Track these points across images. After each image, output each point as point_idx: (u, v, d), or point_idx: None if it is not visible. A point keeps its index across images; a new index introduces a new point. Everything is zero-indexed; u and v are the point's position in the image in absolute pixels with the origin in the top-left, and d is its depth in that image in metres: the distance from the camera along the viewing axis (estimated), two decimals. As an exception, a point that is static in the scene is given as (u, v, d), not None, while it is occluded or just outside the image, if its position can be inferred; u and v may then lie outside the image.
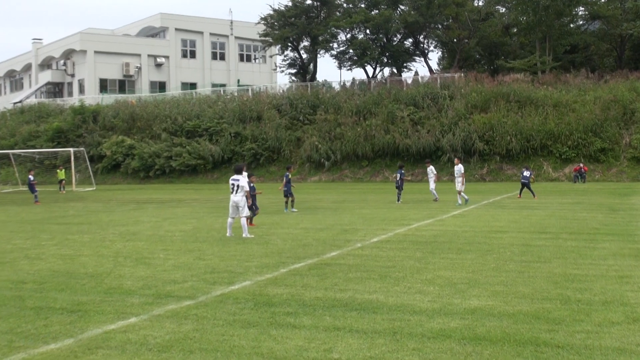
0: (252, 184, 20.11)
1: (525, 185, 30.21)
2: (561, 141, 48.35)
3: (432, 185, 29.44)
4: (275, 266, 12.49)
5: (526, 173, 30.37)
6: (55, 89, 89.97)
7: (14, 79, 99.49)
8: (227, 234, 16.98)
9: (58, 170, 49.25)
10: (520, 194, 30.70)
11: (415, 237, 16.47)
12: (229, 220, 17.24)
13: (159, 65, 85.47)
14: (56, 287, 11.03)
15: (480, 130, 49.98)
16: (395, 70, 74.91)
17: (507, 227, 18.10)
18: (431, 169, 29.94)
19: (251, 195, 19.33)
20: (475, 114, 51.43)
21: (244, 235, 16.76)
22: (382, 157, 52.94)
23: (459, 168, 27.36)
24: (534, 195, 29.77)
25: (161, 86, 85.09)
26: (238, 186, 16.92)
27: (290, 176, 26.01)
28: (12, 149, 62.92)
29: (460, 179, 27.14)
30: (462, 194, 26.97)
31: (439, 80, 58.17)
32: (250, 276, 11.54)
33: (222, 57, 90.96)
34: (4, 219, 19.94)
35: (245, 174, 17.60)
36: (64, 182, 47.98)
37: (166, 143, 59.30)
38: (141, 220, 23.20)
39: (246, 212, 17.00)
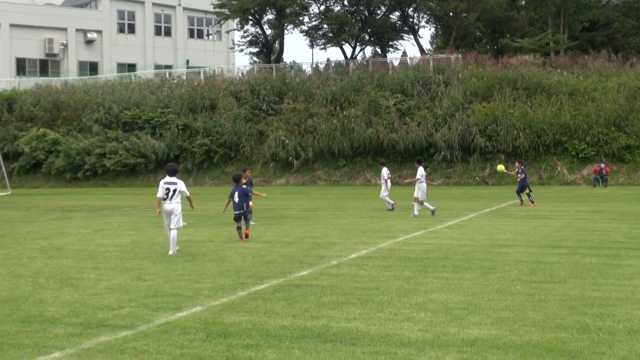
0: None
1: (526, 186, 30.36)
2: (578, 137, 48.92)
3: (383, 192, 29.20)
4: (232, 288, 12.43)
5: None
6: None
7: None
8: (170, 252, 16.80)
9: None
10: (521, 199, 30.95)
11: (402, 252, 16.50)
12: (169, 232, 17.11)
13: (89, 42, 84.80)
14: (-39, 315, 10.86)
15: (482, 123, 50.38)
16: (379, 50, 75.22)
17: (513, 241, 18.22)
18: (385, 172, 29.65)
19: (246, 195, 19.32)
20: (476, 104, 51.82)
21: (170, 252, 16.71)
22: (363, 156, 53.10)
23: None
24: (520, 200, 30.49)
25: (92, 68, 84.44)
26: (175, 191, 16.82)
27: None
28: None
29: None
30: (424, 204, 26.48)
31: (431, 63, 58.48)
32: (201, 300, 11.47)
33: (168, 33, 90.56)
34: None
35: (177, 180, 17.20)
36: None
37: (98, 137, 58.89)
38: (67, 232, 22.96)
39: (180, 223, 16.96)
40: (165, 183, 16.98)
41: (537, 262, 14.61)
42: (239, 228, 18.97)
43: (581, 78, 53.06)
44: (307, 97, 57.36)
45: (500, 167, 31.25)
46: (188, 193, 17.14)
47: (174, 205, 16.90)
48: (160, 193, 16.83)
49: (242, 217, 18.99)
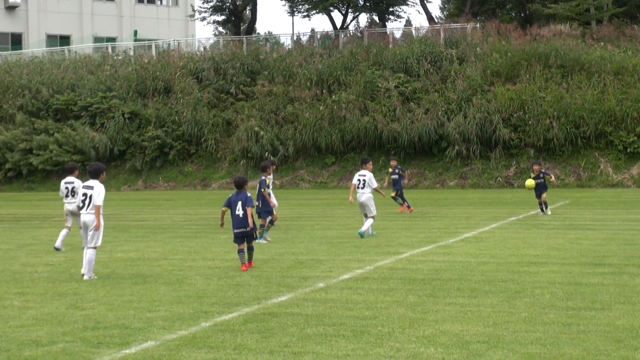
0: (264, 179, 20.93)
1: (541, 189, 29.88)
2: (626, 127, 49.17)
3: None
4: (192, 318, 12.43)
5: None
6: None
7: None
8: (83, 274, 16.55)
9: None
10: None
11: (406, 272, 16.52)
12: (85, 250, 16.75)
13: (11, 8, 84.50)
14: None
15: (506, 110, 50.53)
16: (376, 19, 75.34)
17: (545, 257, 18.28)
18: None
19: (260, 197, 19.44)
20: (498, 86, 51.98)
21: (86, 277, 16.46)
22: (357, 151, 53.19)
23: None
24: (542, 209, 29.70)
25: (15, 40, 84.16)
26: (91, 197, 16.48)
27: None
28: None
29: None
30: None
31: (442, 35, 58.63)
32: (154, 333, 11.46)
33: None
34: None
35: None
36: None
37: (23, 129, 58.72)
38: (-16, 248, 22.88)
39: (98, 239, 16.65)
40: (82, 187, 16.77)
41: (575, 284, 14.67)
42: (241, 251, 17.44)
43: (630, 53, 53.31)
44: (287, 78, 57.38)
45: (531, 183, 30.59)
46: (100, 202, 16.46)
47: (90, 216, 16.53)
48: (63, 192, 16.92)
49: (245, 239, 17.53)
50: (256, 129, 54.22)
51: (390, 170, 33.67)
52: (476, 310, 12.52)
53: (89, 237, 16.59)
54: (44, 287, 15.62)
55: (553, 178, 30.31)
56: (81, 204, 16.56)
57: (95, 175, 16.75)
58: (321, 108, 53.80)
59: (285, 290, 14.66)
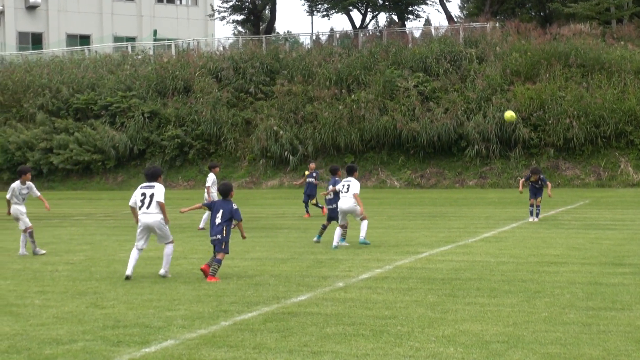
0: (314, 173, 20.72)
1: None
2: (647, 126, 48.97)
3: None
4: (212, 317, 12.45)
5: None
6: None
7: None
8: (127, 272, 16.50)
9: None
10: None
11: (426, 271, 16.51)
12: (134, 252, 16.56)
13: (32, 7, 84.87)
14: None
15: (525, 110, 50.42)
16: (395, 18, 75.28)
17: (565, 257, 18.23)
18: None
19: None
20: (518, 85, 51.85)
21: (162, 271, 16.56)
22: (376, 150, 53.16)
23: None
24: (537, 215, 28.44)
25: (36, 40, 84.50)
26: (152, 197, 16.45)
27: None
28: None
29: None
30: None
31: (462, 34, 58.54)
32: (174, 332, 11.48)
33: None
34: None
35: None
36: None
37: (44, 128, 58.95)
38: (4, 247, 22.99)
39: (169, 234, 16.70)
40: (141, 188, 16.64)
41: (595, 284, 14.63)
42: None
43: (650, 52, 53.10)
44: (306, 77, 57.39)
45: (510, 115, 29.42)
46: (162, 199, 16.56)
47: (156, 217, 16.37)
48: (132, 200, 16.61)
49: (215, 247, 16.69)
50: (275, 128, 54.24)
51: (307, 172, 32.42)
52: (496, 310, 12.49)
53: (158, 235, 16.51)
54: (64, 286, 15.68)
55: (550, 191, 28.60)
56: (140, 204, 16.45)
57: (153, 178, 16.68)
58: (340, 107, 53.78)
59: (305, 289, 14.67)
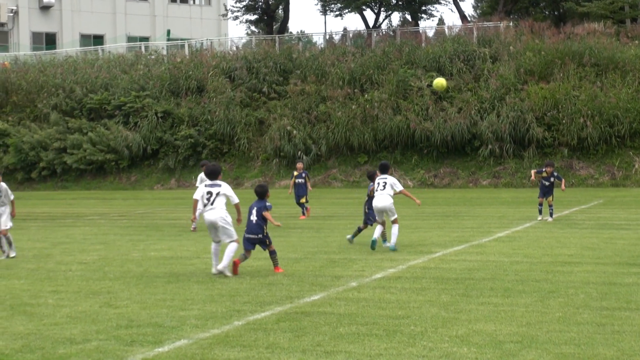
0: (303, 173, 20.25)
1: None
2: (662, 125, 48.82)
3: None
4: (225, 316, 12.47)
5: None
6: None
7: None
8: (213, 271, 16.26)
9: None
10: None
11: (439, 271, 16.50)
12: (214, 248, 16.58)
13: (45, 7, 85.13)
14: None
15: (539, 109, 50.31)
16: (408, 17, 75.24)
17: (579, 257, 18.19)
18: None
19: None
20: (532, 84, 51.76)
21: (220, 266, 16.32)
22: (390, 150, 53.14)
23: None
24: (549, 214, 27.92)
25: (49, 40, 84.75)
26: (218, 195, 16.27)
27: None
28: None
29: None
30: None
31: (475, 33, 58.45)
32: (187, 332, 11.50)
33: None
34: None
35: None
36: None
37: (57, 128, 59.11)
38: (19, 246, 23.01)
39: (235, 234, 16.55)
40: (206, 186, 16.58)
41: (609, 284, 14.59)
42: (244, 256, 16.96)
43: (665, 51, 52.92)
44: (319, 77, 57.39)
45: (440, 83, 28.57)
46: (236, 199, 16.59)
47: (221, 213, 16.33)
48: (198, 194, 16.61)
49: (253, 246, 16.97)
50: (289, 128, 54.27)
51: (295, 173, 31.47)
52: (509, 310, 12.48)
53: (220, 233, 16.43)
54: (77, 286, 15.73)
55: (564, 186, 28.35)
56: (206, 202, 16.43)
57: (215, 175, 16.71)
58: (353, 107, 53.76)
59: (318, 289, 14.68)
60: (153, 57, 67.26)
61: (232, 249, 16.38)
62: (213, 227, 16.47)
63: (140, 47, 72.62)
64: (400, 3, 73.87)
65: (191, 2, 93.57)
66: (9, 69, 66.43)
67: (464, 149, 51.37)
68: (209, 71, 60.07)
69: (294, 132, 54.04)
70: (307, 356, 10.08)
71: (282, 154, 54.31)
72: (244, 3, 78.34)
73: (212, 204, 16.40)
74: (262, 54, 61.06)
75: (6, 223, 20.41)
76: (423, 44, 59.07)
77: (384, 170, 20.64)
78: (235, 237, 16.48)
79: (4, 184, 20.78)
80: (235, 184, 53.40)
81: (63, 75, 63.50)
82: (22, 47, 79.91)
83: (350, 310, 12.69)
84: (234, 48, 67.27)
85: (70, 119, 59.55)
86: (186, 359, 10.11)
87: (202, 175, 26.69)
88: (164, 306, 13.39)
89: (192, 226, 25.81)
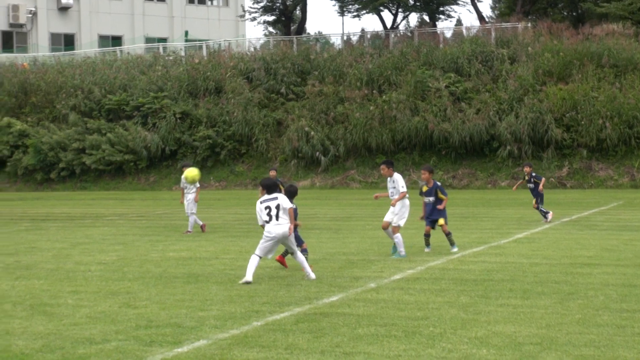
0: (439, 184, 19.82)
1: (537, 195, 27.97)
2: (680, 127, 48.63)
3: (192, 208, 26.72)
4: (244, 317, 12.48)
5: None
6: None
7: None
8: (247, 279, 15.99)
9: None
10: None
11: (458, 272, 16.48)
12: (255, 260, 15.97)
13: (64, 8, 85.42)
14: None
15: (558, 110, 50.19)
16: (426, 18, 75.15)
17: (599, 259, 18.13)
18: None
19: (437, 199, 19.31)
20: (550, 85, 51.64)
21: (312, 276, 16.02)
22: (408, 151, 53.10)
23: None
24: (543, 216, 27.64)
25: (68, 41, 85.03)
26: (278, 208, 16.07)
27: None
28: None
29: None
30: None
31: (493, 34, 58.36)
32: (206, 332, 11.52)
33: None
34: None
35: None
36: None
37: (76, 129, 59.29)
38: (38, 246, 23.13)
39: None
40: (264, 202, 16.09)
41: (629, 286, 14.54)
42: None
43: (685, 52, 52.71)
44: (337, 78, 57.40)
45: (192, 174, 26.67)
46: (290, 205, 16.21)
47: (285, 226, 15.96)
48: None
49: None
50: (307, 129, 54.28)
51: (526, 177, 28.79)
52: (529, 311, 12.46)
53: (288, 244, 16.20)
54: (97, 286, 15.78)
55: (542, 185, 27.82)
56: (267, 218, 15.90)
57: (273, 189, 16.24)
58: (371, 108, 53.74)
59: (337, 290, 14.68)
60: (171, 58, 67.40)
61: (302, 258, 16.23)
62: (279, 241, 16.05)
63: (158, 48, 72.81)
64: (418, 4, 73.80)
65: (209, 3, 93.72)
66: (28, 70, 66.70)
67: (483, 150, 51.28)
68: (226, 72, 60.15)
69: (312, 133, 54.05)
70: (326, 357, 10.09)
71: (300, 155, 54.33)
72: (261, 4, 78.40)
73: (276, 218, 15.92)
74: (279, 55, 61.12)
75: None
76: (441, 45, 59.01)
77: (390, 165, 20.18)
78: (295, 246, 16.43)
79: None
80: (254, 185, 53.51)
81: (82, 76, 63.71)
82: (40, 48, 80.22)
83: (369, 311, 12.69)
84: (252, 49, 67.36)
85: (89, 120, 59.74)
86: (205, 359, 10.13)
87: (183, 177, 26.74)
88: (183, 307, 13.42)
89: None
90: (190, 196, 26.50)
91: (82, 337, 11.39)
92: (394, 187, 19.56)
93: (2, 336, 11.59)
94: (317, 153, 53.55)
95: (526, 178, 28.18)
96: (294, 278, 16.13)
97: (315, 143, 53.71)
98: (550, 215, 27.34)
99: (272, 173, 28.78)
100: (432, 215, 19.84)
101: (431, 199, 19.93)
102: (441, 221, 19.72)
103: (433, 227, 19.87)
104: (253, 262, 15.87)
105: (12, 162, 60.10)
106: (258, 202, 16.24)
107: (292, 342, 10.83)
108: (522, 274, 16.11)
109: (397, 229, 19.04)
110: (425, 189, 20.22)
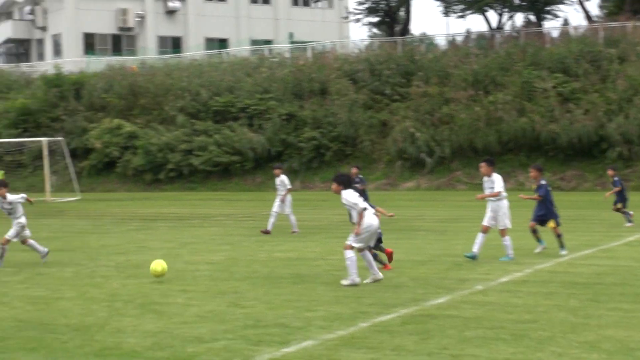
0: (544, 183, 19.67)
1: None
2: None
3: (288, 208, 26.77)
4: (351, 318, 12.52)
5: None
6: (19, 50, 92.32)
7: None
8: (379, 276, 15.88)
9: None
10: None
11: (567, 275, 16.28)
12: (355, 256, 15.73)
13: (171, 12, 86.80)
14: (24, 346, 11.30)
15: (670, 110, 49.17)
16: (532, 18, 74.20)
17: None
18: (282, 181, 27.16)
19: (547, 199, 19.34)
20: (662, 85, 50.65)
21: (380, 275, 15.96)
22: (515, 152, 52.55)
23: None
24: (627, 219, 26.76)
25: (175, 44, 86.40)
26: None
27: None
28: (-42, 138, 64.73)
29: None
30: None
31: (601, 33, 57.37)
32: (313, 333, 11.59)
33: (267, 1, 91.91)
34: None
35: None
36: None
37: (184, 130, 60.11)
38: (148, 246, 23.55)
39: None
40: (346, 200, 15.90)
41: None
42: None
43: None
44: (442, 79, 57.10)
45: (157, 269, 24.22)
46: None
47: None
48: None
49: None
50: (411, 130, 54.11)
51: (612, 180, 28.56)
52: (641, 316, 12.27)
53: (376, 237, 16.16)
54: (205, 285, 16.01)
55: (617, 190, 27.39)
56: (366, 205, 15.87)
57: (348, 184, 16.02)
58: (477, 109, 53.32)
59: (443, 292, 14.64)
60: (276, 60, 67.86)
61: (370, 257, 16.00)
62: (375, 232, 16.02)
63: (263, 50, 73.40)
64: (524, 4, 72.89)
65: (313, 5, 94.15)
66: (136, 73, 67.93)
67: (591, 152, 50.42)
68: (331, 74, 60.34)
69: (417, 134, 53.88)
70: (434, 359, 10.07)
71: (405, 156, 54.19)
72: (365, 5, 78.39)
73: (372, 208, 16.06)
74: (384, 56, 61.06)
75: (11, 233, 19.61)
76: (547, 45, 58.26)
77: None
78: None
79: (12, 196, 19.78)
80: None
81: (189, 78, 64.57)
82: (149, 51, 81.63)
83: (477, 314, 12.62)
84: (356, 50, 67.42)
85: (196, 121, 60.51)
86: (312, 359, 10.19)
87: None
88: (290, 307, 13.53)
89: None
90: (281, 196, 26.66)
91: (191, 336, 11.57)
92: (491, 187, 19.10)
93: (113, 334, 11.85)
94: (422, 154, 53.35)
95: (611, 180, 27.76)
96: (400, 279, 16.12)
97: (420, 144, 53.52)
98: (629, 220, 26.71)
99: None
100: (539, 211, 19.72)
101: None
102: (551, 223, 19.53)
103: (540, 224, 19.74)
104: (354, 259, 15.55)
105: (122, 163, 61.24)
106: (350, 193, 15.83)
107: (399, 344, 10.83)
108: (634, 277, 15.85)
109: (504, 231, 18.85)
110: (533, 187, 20.11)
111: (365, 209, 15.65)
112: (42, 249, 20.04)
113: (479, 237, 18.97)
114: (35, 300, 14.76)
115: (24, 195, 20.05)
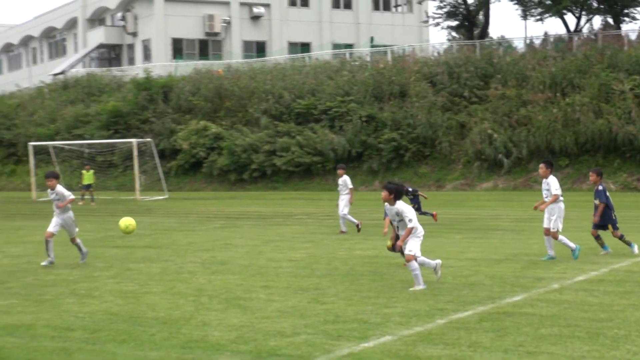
0: (602, 189, 19.36)
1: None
2: None
3: (343, 208, 26.57)
4: (428, 315, 12.51)
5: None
6: (111, 54, 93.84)
7: (54, 41, 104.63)
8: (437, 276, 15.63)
9: (83, 171, 48.95)
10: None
11: (643, 275, 16.07)
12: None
13: (256, 17, 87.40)
14: (114, 338, 11.53)
15: None
16: (610, 21, 73.13)
17: None
18: (345, 181, 26.99)
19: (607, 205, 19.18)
20: None
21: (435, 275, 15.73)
22: (592, 153, 51.83)
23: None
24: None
25: (260, 48, 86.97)
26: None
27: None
28: (53, 139, 66.11)
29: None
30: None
31: (681, 35, 56.34)
32: (391, 329, 11.60)
33: (348, 6, 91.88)
34: (42, 239, 20.83)
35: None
36: (92, 188, 48.22)
37: (267, 131, 60.48)
38: (233, 243, 23.77)
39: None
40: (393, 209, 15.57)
41: None
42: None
43: None
44: (520, 81, 56.58)
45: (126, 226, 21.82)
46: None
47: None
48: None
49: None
50: (489, 131, 53.73)
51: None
52: None
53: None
54: (287, 281, 16.11)
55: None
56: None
57: (399, 194, 15.61)
58: (554, 111, 52.71)
59: (520, 290, 14.54)
60: (357, 63, 67.91)
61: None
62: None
63: (344, 54, 73.50)
64: (601, 6, 71.87)
65: (394, 9, 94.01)
66: (222, 76, 68.55)
67: (669, 154, 49.65)
68: (411, 76, 60.19)
69: (495, 135, 53.48)
70: (509, 356, 10.02)
71: (482, 157, 53.82)
72: (445, 9, 78.03)
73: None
74: (463, 59, 60.72)
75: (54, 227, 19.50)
76: (625, 47, 57.36)
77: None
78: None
79: (59, 188, 19.54)
80: (437, 186, 53.37)
81: (272, 81, 64.95)
82: (234, 56, 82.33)
83: (552, 312, 12.52)
84: (436, 54, 67.17)
85: (279, 123, 60.85)
86: (390, 354, 10.21)
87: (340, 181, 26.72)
88: (369, 303, 13.55)
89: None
90: (344, 197, 26.66)
91: (273, 330, 11.67)
92: (547, 190, 18.99)
93: (199, 327, 12.02)
94: (500, 155, 52.94)
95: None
96: (477, 277, 16.06)
97: (497, 145, 53.12)
98: None
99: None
100: (600, 220, 19.35)
101: (596, 202, 19.44)
102: (610, 229, 19.24)
103: (597, 229, 19.36)
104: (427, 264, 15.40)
105: (208, 163, 61.87)
106: (409, 208, 15.60)
107: (476, 340, 10.80)
108: None
109: (555, 234, 18.61)
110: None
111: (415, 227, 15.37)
112: (84, 249, 19.95)
113: (547, 240, 18.81)
114: (125, 295, 15.02)
115: (72, 195, 19.66)
